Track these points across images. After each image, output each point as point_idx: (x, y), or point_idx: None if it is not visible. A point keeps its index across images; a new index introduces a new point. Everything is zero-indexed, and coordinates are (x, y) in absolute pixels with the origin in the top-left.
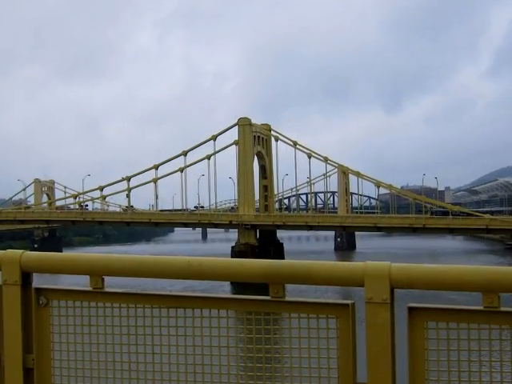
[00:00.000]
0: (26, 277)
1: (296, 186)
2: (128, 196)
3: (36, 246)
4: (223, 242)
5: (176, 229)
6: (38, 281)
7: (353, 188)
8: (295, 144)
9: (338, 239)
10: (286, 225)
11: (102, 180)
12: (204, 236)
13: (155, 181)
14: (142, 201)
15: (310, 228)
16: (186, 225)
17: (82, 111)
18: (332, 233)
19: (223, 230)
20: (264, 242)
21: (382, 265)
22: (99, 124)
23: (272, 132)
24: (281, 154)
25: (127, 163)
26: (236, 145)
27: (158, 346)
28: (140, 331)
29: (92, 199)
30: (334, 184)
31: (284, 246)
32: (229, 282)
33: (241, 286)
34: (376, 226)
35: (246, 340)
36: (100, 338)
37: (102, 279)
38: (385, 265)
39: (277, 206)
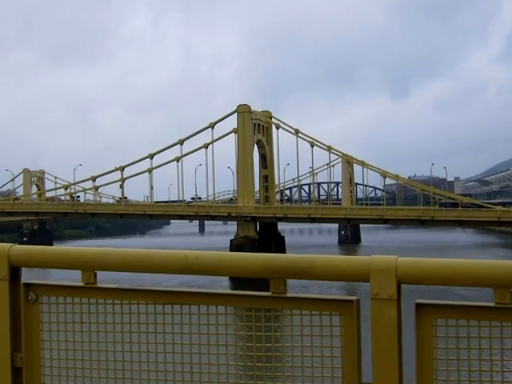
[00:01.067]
0: (14, 271)
1: (298, 177)
2: (121, 187)
3: (25, 239)
4: (221, 234)
5: (172, 221)
6: (27, 276)
7: (358, 178)
8: (297, 132)
9: (342, 232)
10: (288, 217)
11: (95, 170)
12: (201, 229)
13: (150, 171)
14: (137, 192)
15: (313, 220)
16: (182, 217)
17: (74, 98)
18: (336, 225)
19: (221, 222)
20: (264, 235)
21: (388, 259)
22: (91, 111)
23: (273, 119)
24: (282, 142)
25: (121, 152)
26: (235, 133)
27: (153, 344)
28: (134, 328)
29: (84, 190)
30: (337, 174)
31: (285, 239)
32: (227, 277)
33: (240, 281)
34: (382, 219)
35: (246, 338)
36: (92, 335)
37: (95, 274)
38: (391, 259)
39: (278, 197)
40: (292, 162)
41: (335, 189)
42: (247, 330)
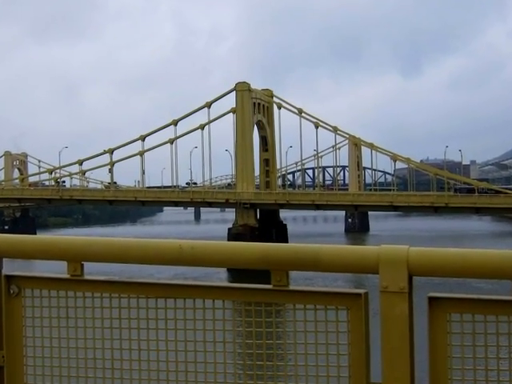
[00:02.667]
0: None
1: (301, 160)
2: (111, 171)
3: (6, 227)
4: (219, 223)
5: (165, 208)
6: (9, 267)
7: (366, 162)
8: (300, 112)
9: (349, 220)
10: (290, 204)
11: (82, 153)
12: (197, 216)
13: (141, 154)
14: (127, 176)
15: (318, 207)
16: (176, 204)
17: (59, 75)
18: (342, 213)
19: (219, 209)
20: (265, 224)
21: (398, 249)
22: (78, 90)
23: (274, 98)
24: (284, 123)
25: (110, 134)
26: (233, 113)
27: (145, 341)
28: (124, 324)
29: (70, 174)
30: (344, 157)
31: (288, 227)
32: (225, 269)
33: (239, 273)
34: (392, 205)
35: (245, 334)
36: (79, 331)
37: (82, 265)
38: (402, 249)
39: (279, 182)
40: (295, 144)
41: (341, 173)
42: (246, 325)
